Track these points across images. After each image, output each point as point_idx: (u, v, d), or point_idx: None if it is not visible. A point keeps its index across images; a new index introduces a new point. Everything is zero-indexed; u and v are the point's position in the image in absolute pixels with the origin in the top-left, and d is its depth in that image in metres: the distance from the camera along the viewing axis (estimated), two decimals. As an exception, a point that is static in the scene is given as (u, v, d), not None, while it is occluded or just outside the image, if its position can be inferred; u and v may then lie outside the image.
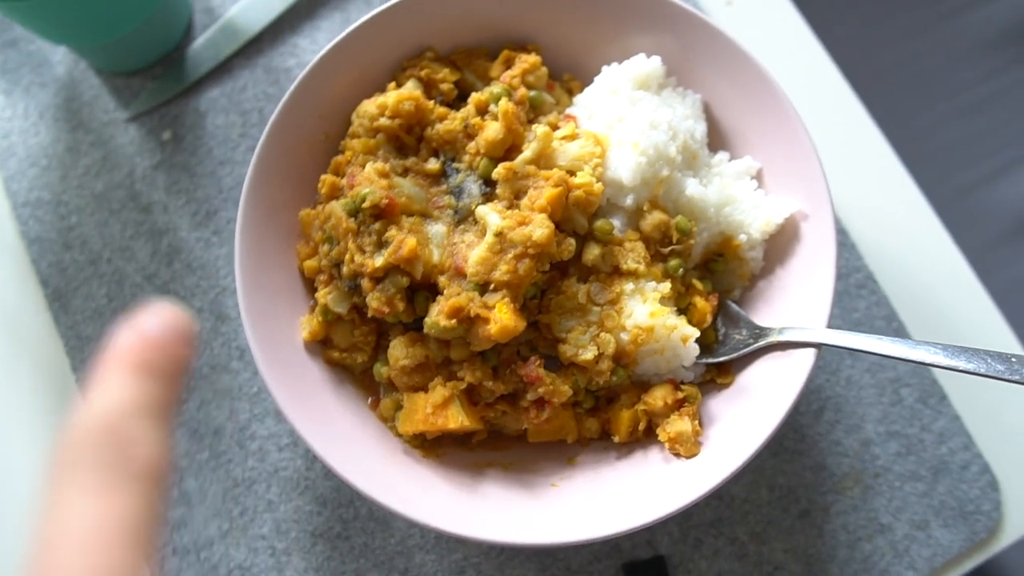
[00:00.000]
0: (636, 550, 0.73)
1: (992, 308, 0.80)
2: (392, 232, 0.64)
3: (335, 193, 0.68)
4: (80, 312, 0.79)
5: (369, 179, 0.65)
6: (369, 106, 0.70)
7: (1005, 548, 0.75)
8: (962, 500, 0.74)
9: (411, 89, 0.70)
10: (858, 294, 0.78)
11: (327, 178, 0.68)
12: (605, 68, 0.71)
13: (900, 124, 0.92)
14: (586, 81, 0.74)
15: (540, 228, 0.62)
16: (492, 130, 0.65)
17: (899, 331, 0.78)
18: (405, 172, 0.69)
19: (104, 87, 0.84)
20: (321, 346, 0.69)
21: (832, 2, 1.40)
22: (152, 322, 0.41)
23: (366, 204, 0.63)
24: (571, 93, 0.75)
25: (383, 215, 0.64)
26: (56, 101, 0.84)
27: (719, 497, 0.74)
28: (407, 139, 0.69)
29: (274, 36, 0.84)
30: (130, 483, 0.37)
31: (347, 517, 0.74)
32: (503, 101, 0.65)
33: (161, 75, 0.83)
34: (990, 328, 0.79)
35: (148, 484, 0.37)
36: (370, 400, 0.70)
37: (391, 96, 0.68)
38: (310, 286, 0.71)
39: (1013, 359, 0.56)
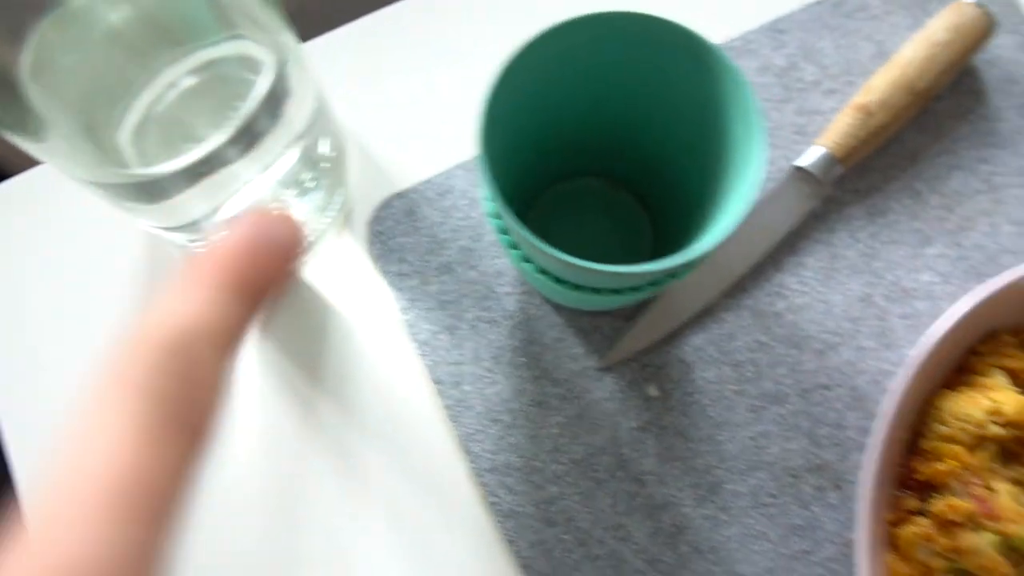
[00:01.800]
0: None
1: None
2: (1047, 571, 0.58)
3: (965, 520, 0.62)
4: (561, 597, 0.69)
5: (1018, 512, 0.59)
6: (973, 409, 0.63)
7: None
8: None
9: (1003, 383, 0.65)
10: None
11: (955, 504, 0.62)
12: None
13: None
14: None
15: None
16: None
17: None
18: (1018, 483, 0.63)
19: (568, 328, 0.73)
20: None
21: None
22: (257, 230, 0.34)
23: (1021, 545, 0.58)
24: None
25: (1038, 554, 0.58)
26: (511, 343, 0.73)
27: None
28: (1016, 448, 0.64)
29: (756, 275, 0.75)
30: (177, 435, 0.29)
31: None
32: None
33: (637, 317, 0.73)
34: None
35: (196, 441, 0.30)
36: None
37: (1010, 402, 0.62)
38: (892, 600, 0.64)
39: None
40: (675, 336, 0.73)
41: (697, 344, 0.73)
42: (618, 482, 0.71)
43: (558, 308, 0.74)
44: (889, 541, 0.64)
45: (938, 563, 0.62)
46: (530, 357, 0.73)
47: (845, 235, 0.77)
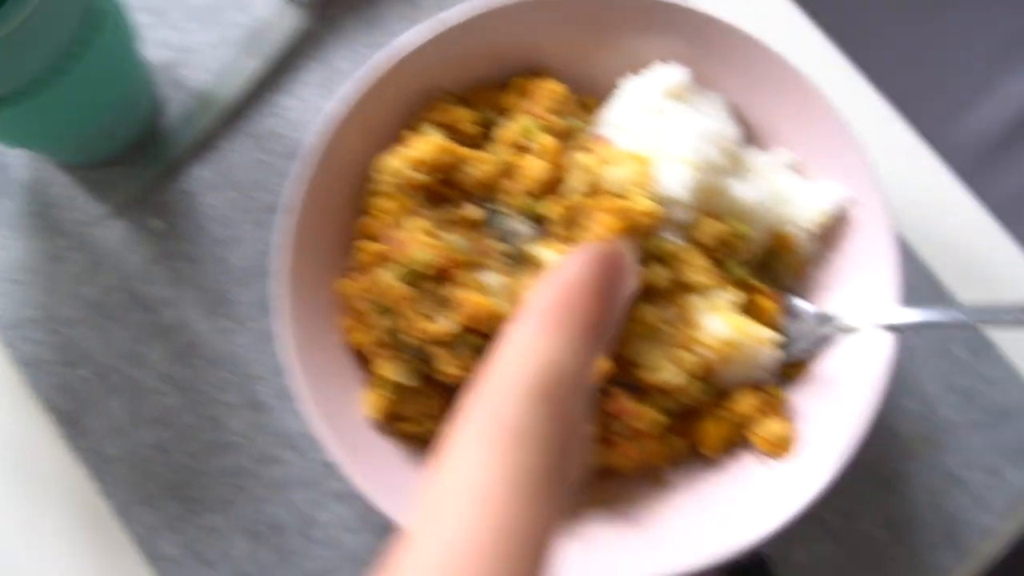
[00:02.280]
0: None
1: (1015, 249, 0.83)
2: (453, 291, 0.60)
3: (378, 260, 0.64)
4: (98, 432, 0.72)
5: (418, 241, 0.61)
6: (395, 161, 0.65)
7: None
8: (1025, 440, 0.77)
9: (433, 136, 0.67)
10: (891, 261, 0.79)
11: (368, 246, 0.64)
12: (625, 82, 0.69)
13: (888, 77, 0.93)
14: (597, 94, 0.72)
15: (608, 260, 0.60)
16: (538, 170, 0.62)
17: (937, 288, 0.79)
18: (445, 225, 0.65)
19: (76, 185, 0.76)
20: (388, 421, 0.65)
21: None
22: (603, 266, 0.32)
23: (423, 269, 0.60)
24: (586, 108, 0.72)
25: (441, 276, 0.60)
26: (24, 208, 0.76)
27: (804, 487, 0.75)
28: (443, 190, 0.66)
29: (254, 99, 0.78)
30: (556, 486, 0.28)
31: (441, 589, 0.70)
32: (544, 137, 0.63)
33: (137, 161, 0.76)
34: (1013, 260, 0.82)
35: (567, 491, 0.29)
36: (454, 467, 0.66)
37: (423, 149, 0.64)
38: (360, 360, 0.67)
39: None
40: (176, 171, 0.76)
41: (198, 174, 0.77)
42: (131, 314, 0.74)
43: (68, 167, 0.77)
44: (342, 304, 0.67)
45: (368, 307, 0.64)
46: (42, 217, 0.76)
47: (341, 48, 0.80)
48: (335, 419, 0.62)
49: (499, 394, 0.29)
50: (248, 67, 0.77)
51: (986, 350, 0.79)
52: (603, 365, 0.60)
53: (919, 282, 0.79)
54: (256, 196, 0.76)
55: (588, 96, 0.74)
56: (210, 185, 0.76)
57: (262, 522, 0.71)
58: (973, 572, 0.76)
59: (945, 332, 0.78)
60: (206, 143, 0.77)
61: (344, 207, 0.68)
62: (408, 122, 0.70)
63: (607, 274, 0.33)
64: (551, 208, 0.63)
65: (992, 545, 0.76)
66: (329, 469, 0.71)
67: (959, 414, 0.77)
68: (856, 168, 0.66)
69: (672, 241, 0.65)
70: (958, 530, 0.75)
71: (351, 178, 0.68)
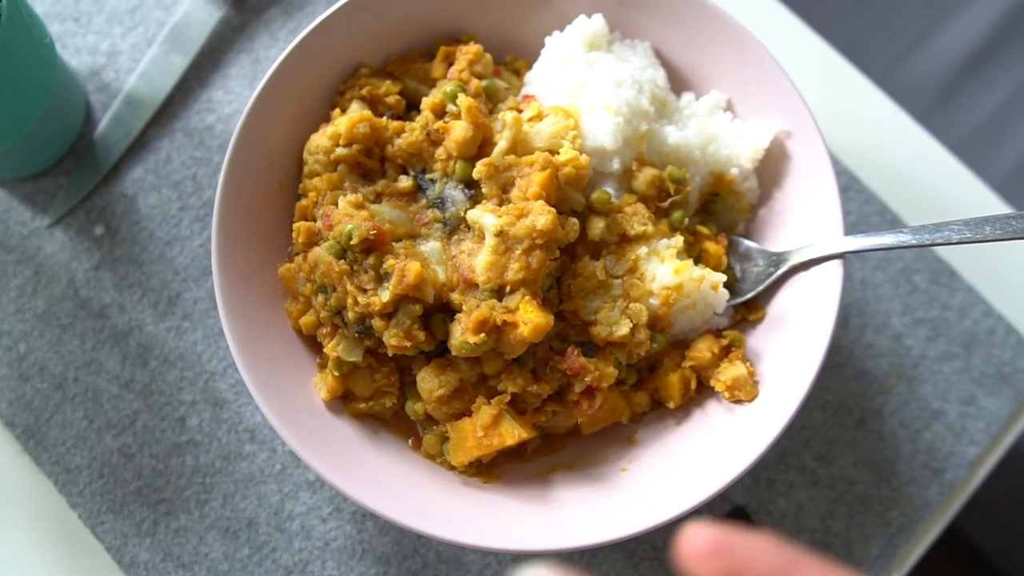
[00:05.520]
0: (714, 508, 0.71)
1: (961, 168, 0.81)
2: (389, 262, 0.59)
3: (314, 240, 0.63)
4: (61, 444, 0.72)
5: (347, 214, 0.60)
6: (320, 139, 0.65)
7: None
8: (998, 365, 0.75)
9: (358, 111, 0.66)
10: (846, 197, 0.78)
11: (301, 226, 0.63)
12: (548, 39, 0.68)
13: (829, 21, 0.92)
14: (530, 58, 0.71)
15: (542, 215, 0.59)
16: (460, 130, 0.61)
17: (895, 222, 0.78)
18: (378, 197, 0.64)
19: (13, 197, 0.76)
20: (342, 401, 0.65)
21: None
22: None
23: (353, 241, 0.59)
24: (518, 74, 0.71)
25: (373, 247, 0.59)
26: (-37, 228, 0.75)
27: (776, 432, 0.73)
28: (370, 163, 0.65)
29: (184, 96, 0.77)
30: None
31: (416, 568, 0.70)
32: (461, 98, 0.62)
33: (73, 169, 0.75)
34: (965, 187, 0.80)
35: None
36: (411, 441, 0.65)
37: (342, 123, 0.63)
38: (310, 343, 0.66)
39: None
40: (112, 175, 0.76)
41: (136, 176, 0.76)
42: (82, 322, 0.73)
43: (2, 182, 0.76)
44: (285, 290, 0.66)
45: (308, 288, 0.63)
46: (-16, 235, 0.75)
47: (265, 38, 0.79)
48: (289, 408, 0.61)
49: None
50: (175, 65, 0.77)
51: (949, 278, 0.77)
52: (552, 324, 0.59)
53: (879, 220, 0.78)
54: (195, 193, 0.75)
55: (520, 60, 0.73)
56: (149, 186, 0.75)
57: (234, 518, 0.71)
58: (960, 503, 0.74)
59: (907, 265, 0.77)
60: (141, 144, 0.76)
61: (281, 194, 0.67)
62: (335, 101, 0.69)
63: None
64: (483, 171, 0.61)
65: (976, 474, 0.74)
66: (296, 459, 0.71)
67: (929, 346, 0.76)
68: (789, 101, 0.65)
69: (609, 193, 0.63)
70: (940, 463, 0.74)
71: (285, 164, 0.67)
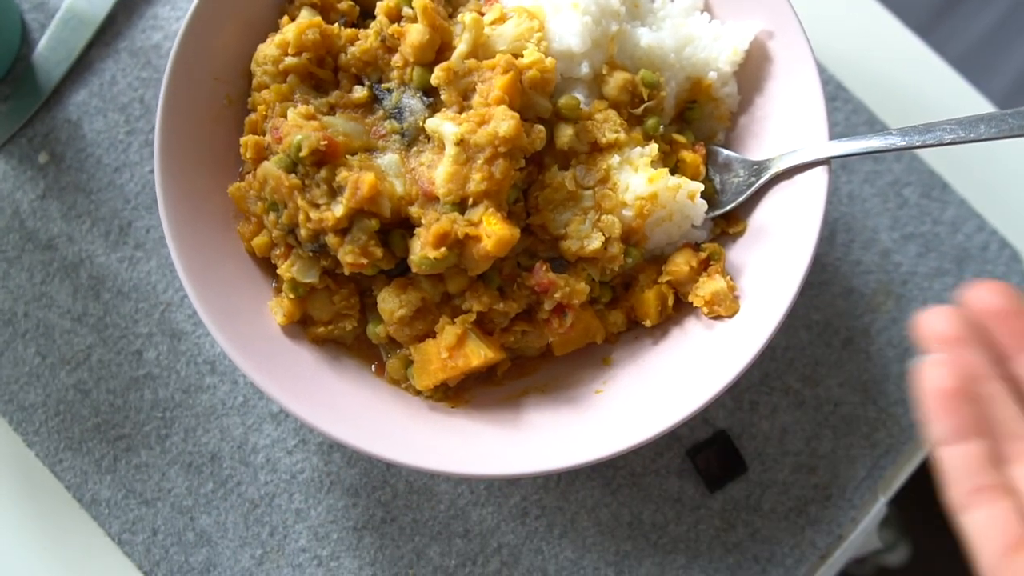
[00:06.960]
0: (695, 432, 0.69)
1: (957, 78, 0.77)
2: (342, 175, 0.55)
3: (262, 154, 0.59)
4: (14, 381, 0.69)
5: (297, 125, 0.56)
6: (268, 48, 0.60)
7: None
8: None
9: (308, 17, 0.61)
10: (833, 106, 0.74)
11: (248, 140, 0.59)
12: (514, -65, 0.63)
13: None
14: (492, -42, 0.66)
15: (504, 121, 0.55)
16: (415, 33, 0.57)
17: (885, 130, 0.74)
18: (332, 109, 0.60)
19: (-50, 125, 0.71)
20: (301, 326, 0.61)
21: None
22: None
23: (303, 152, 0.55)
24: (483, -22, 0.66)
25: (325, 160, 0.55)
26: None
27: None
28: (322, 73, 0.61)
29: (128, 13, 0.73)
30: None
31: (386, 499, 0.67)
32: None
33: (11, 94, 0.71)
34: (962, 97, 0.76)
35: None
36: (374, 367, 0.62)
37: (290, 30, 0.59)
38: (266, 266, 0.62)
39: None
40: (54, 100, 0.71)
41: (79, 100, 0.71)
42: (29, 255, 0.70)
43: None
44: (237, 210, 0.62)
45: (260, 207, 0.60)
46: (-77, 165, 0.71)
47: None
48: (245, 335, 0.58)
49: None
50: (119, -22, 0.72)
51: (941, 192, 0.73)
52: (518, 236, 0.55)
53: (867, 130, 0.74)
54: (143, 116, 0.71)
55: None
56: (93, 110, 0.71)
57: (196, 453, 0.68)
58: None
59: (896, 178, 0.73)
60: (83, 66, 0.72)
61: (229, 110, 0.63)
62: (284, 8, 0.64)
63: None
64: (441, 76, 0.57)
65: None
66: (259, 391, 0.68)
67: (919, 262, 0.72)
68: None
69: (578, 98, 0.59)
70: (929, 382, 0.71)
71: (233, 78, 0.63)
